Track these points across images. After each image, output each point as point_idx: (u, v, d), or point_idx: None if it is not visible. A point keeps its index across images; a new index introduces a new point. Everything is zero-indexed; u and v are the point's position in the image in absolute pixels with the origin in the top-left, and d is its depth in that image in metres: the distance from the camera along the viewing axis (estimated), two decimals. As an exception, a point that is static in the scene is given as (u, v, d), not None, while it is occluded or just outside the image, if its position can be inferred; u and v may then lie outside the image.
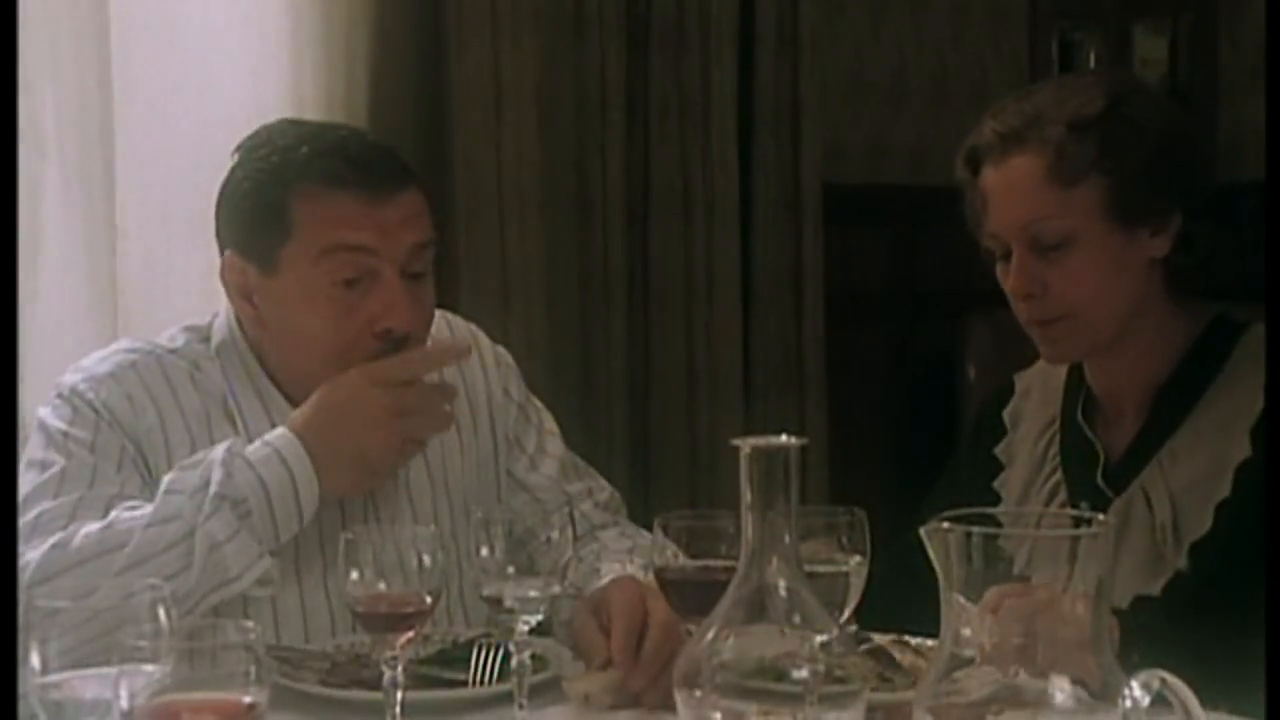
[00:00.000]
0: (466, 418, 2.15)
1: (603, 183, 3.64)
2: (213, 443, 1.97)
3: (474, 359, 2.19)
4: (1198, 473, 1.94)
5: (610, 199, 3.64)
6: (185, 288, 2.99)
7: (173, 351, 2.06)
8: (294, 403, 2.00)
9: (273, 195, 1.97)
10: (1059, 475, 2.08)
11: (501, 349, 2.26)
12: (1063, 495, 2.06)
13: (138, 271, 2.98)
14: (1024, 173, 1.95)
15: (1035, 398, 2.16)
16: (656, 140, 3.71)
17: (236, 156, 2.04)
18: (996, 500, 2.12)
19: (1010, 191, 1.97)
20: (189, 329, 2.11)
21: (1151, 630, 1.71)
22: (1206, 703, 1.12)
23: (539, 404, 2.27)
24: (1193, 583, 1.90)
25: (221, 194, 2.04)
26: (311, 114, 3.11)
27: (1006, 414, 2.18)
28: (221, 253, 2.04)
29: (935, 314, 3.93)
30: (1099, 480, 2.02)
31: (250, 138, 2.05)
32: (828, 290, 3.95)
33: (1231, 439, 1.93)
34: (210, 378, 2.04)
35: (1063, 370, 2.13)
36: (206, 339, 2.08)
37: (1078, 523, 1.24)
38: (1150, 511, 1.95)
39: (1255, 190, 1.96)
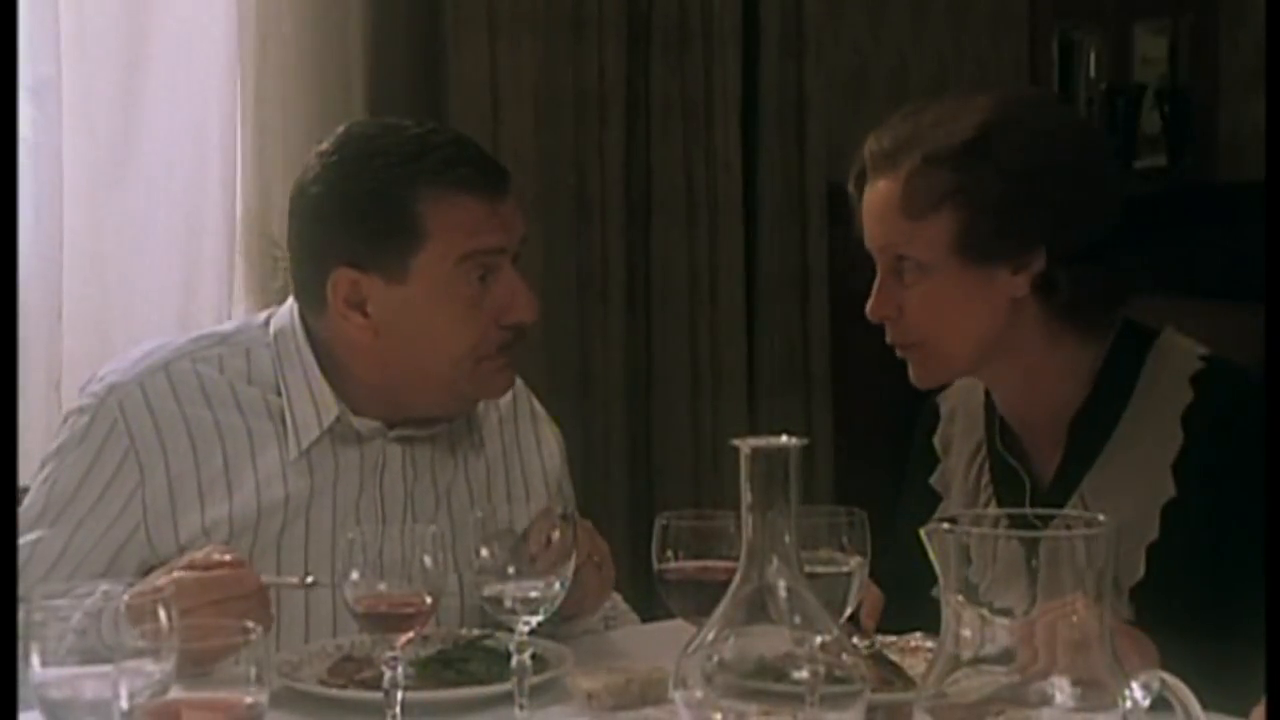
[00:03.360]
0: (517, 470, 2.15)
1: (601, 183, 3.63)
2: (252, 459, 1.98)
3: (527, 417, 2.19)
4: (1123, 513, 1.84)
5: (609, 199, 3.64)
6: (140, 301, 3.00)
7: (224, 340, 2.05)
8: (350, 403, 2.00)
9: (402, 204, 1.93)
10: (994, 505, 1.99)
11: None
12: (1003, 524, 2.00)
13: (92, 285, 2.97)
14: (881, 199, 1.93)
15: (960, 423, 2.09)
16: (659, 140, 3.71)
17: (325, 163, 1.97)
18: None
19: (869, 215, 1.95)
20: (252, 317, 2.11)
21: None
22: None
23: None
24: (1137, 626, 1.79)
25: (318, 212, 1.98)
26: (306, 115, 3.12)
27: (937, 440, 2.11)
28: (320, 268, 1.97)
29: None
30: (1027, 510, 1.93)
31: (343, 145, 1.98)
32: (831, 290, 3.95)
33: (1154, 477, 1.88)
34: (262, 366, 2.02)
35: (980, 393, 2.05)
36: (265, 325, 2.06)
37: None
38: None
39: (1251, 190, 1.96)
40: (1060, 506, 1.90)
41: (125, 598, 1.49)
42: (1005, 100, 1.96)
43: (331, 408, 2.00)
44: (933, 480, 2.09)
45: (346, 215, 1.96)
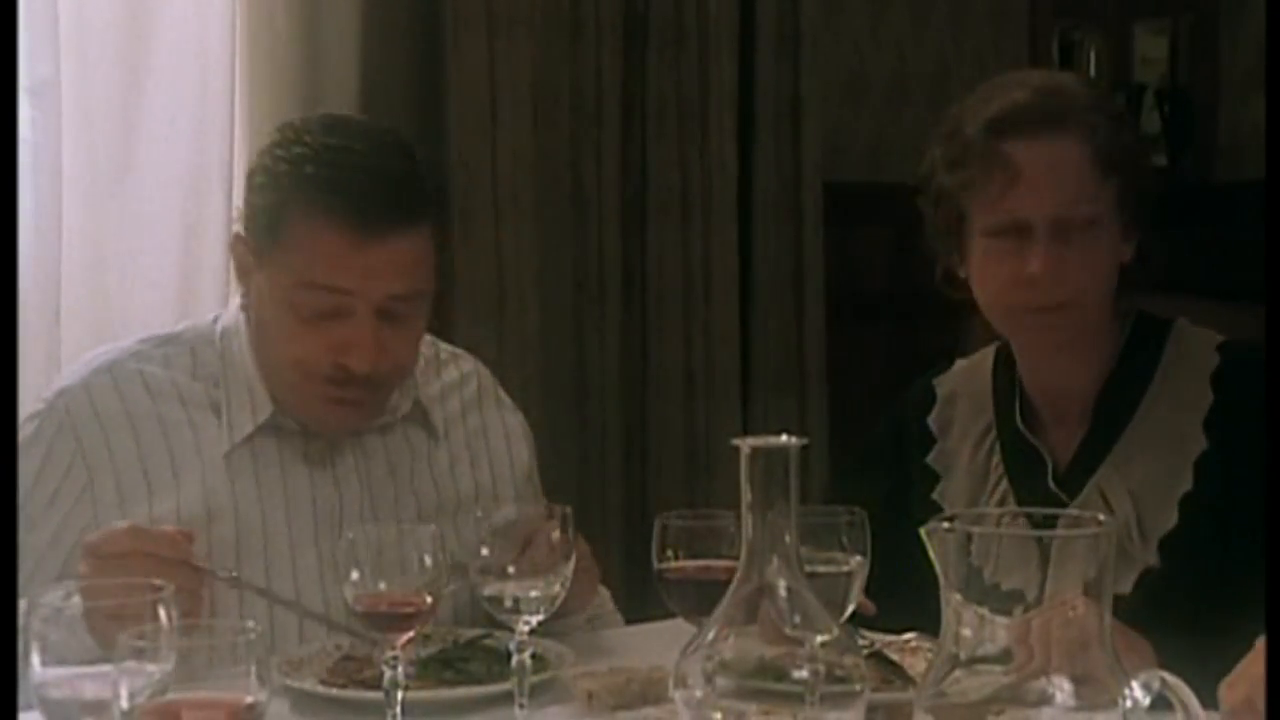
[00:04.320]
0: (483, 458, 2.16)
1: (598, 183, 3.64)
2: (197, 451, 1.99)
3: (493, 406, 2.20)
4: (1155, 469, 1.94)
5: (605, 199, 3.64)
6: (138, 301, 3.00)
7: (171, 340, 2.07)
8: (273, 398, 2.01)
9: (274, 201, 1.95)
10: (1006, 483, 2.05)
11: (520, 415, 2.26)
12: (1012, 503, 2.03)
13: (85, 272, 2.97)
14: (1069, 153, 1.91)
15: (964, 404, 2.13)
16: (654, 139, 3.71)
17: (275, 137, 2.01)
18: (938, 511, 2.08)
19: (1052, 171, 1.91)
20: (204, 317, 2.13)
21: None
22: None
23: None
24: (1165, 576, 1.91)
25: (247, 172, 2.03)
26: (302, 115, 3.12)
27: (932, 421, 2.14)
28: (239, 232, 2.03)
29: (935, 314, 3.93)
30: (1050, 484, 2.00)
31: (286, 125, 2.01)
32: (828, 290, 3.95)
33: (1185, 433, 1.94)
34: (207, 362, 2.05)
35: (987, 375, 2.11)
36: (214, 323, 2.08)
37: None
38: (1110, 510, 1.94)
39: (1251, 189, 1.97)
40: (1083, 477, 1.97)
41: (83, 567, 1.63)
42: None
43: (265, 405, 2.01)
44: (929, 459, 2.13)
45: (248, 189, 2.00)
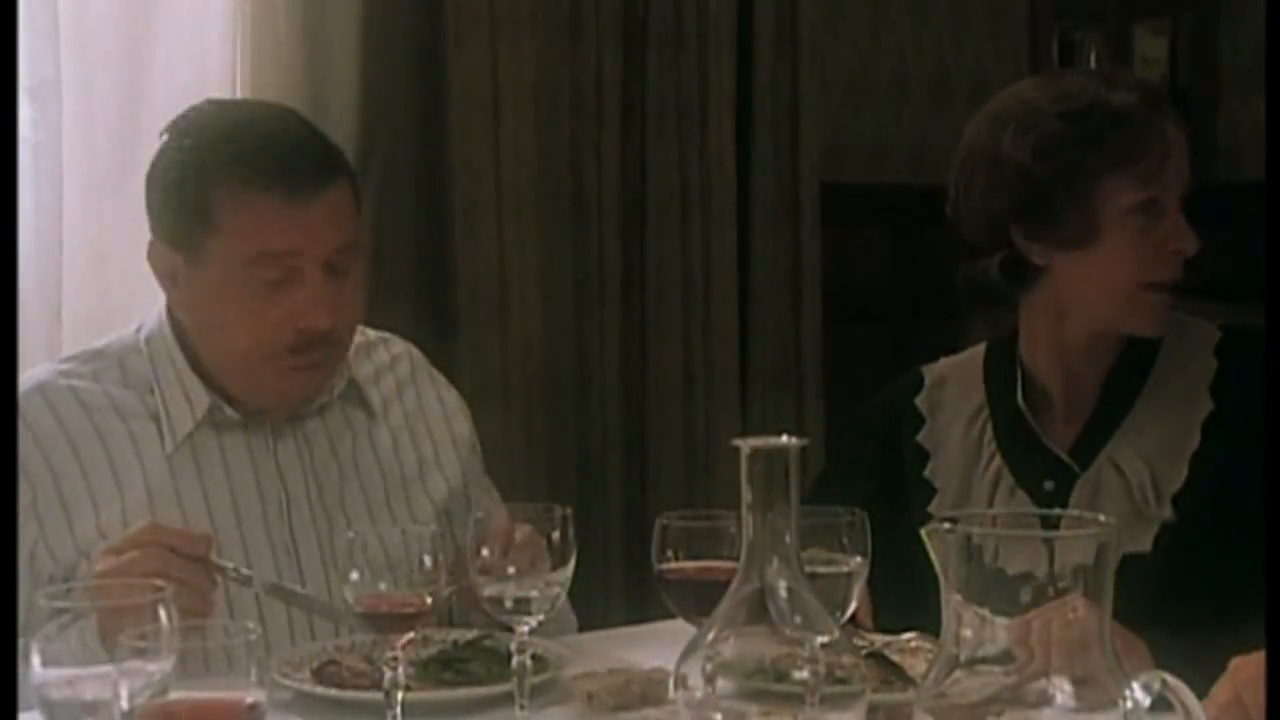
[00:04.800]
0: (424, 434, 2.18)
1: (599, 183, 3.63)
2: (138, 457, 1.99)
3: (428, 383, 2.22)
4: (1165, 433, 2.00)
5: (606, 199, 3.64)
6: (140, 301, 2.99)
7: (97, 355, 2.08)
8: (217, 391, 2.02)
9: (196, 190, 1.95)
10: (999, 460, 2.10)
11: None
12: (1009, 480, 2.08)
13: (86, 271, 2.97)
14: (1183, 133, 2.01)
15: (954, 388, 2.19)
16: (653, 140, 3.71)
17: (164, 139, 2.02)
18: (930, 489, 2.13)
19: (1181, 148, 1.99)
20: (125, 329, 2.13)
21: (1144, 584, 1.78)
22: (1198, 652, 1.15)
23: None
24: (1182, 530, 1.97)
25: (149, 179, 2.02)
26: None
27: (920, 403, 2.20)
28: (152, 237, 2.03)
29: (935, 314, 3.93)
30: (1063, 457, 2.05)
31: (177, 121, 2.03)
32: (827, 290, 3.95)
33: (1192, 398, 2.01)
34: (136, 371, 2.05)
35: (979, 364, 2.18)
36: (138, 332, 2.09)
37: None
38: (1124, 478, 2.00)
39: (1255, 190, 1.97)
40: (1095, 453, 2.03)
41: (100, 565, 1.61)
42: None
43: (203, 399, 2.02)
44: (919, 437, 2.18)
45: (157, 192, 2.00)
